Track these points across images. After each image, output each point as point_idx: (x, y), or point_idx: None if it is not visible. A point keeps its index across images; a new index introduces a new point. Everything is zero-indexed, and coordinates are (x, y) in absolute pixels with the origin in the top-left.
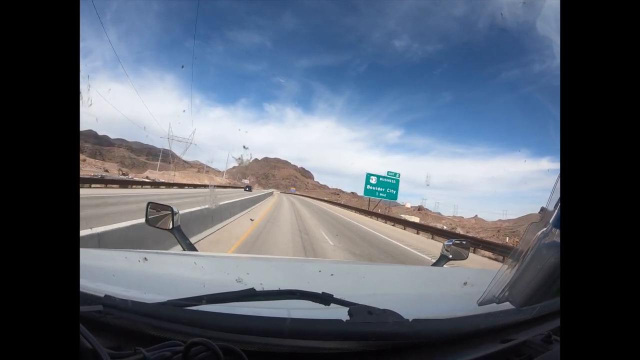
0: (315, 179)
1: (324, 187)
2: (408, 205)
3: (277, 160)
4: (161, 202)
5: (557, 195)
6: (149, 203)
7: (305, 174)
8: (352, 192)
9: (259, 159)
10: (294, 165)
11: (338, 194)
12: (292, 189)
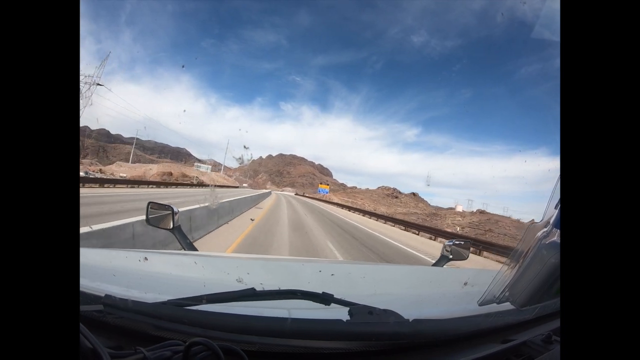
0: (333, 177)
1: (343, 185)
2: (460, 207)
3: (293, 157)
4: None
5: (558, 195)
6: (149, 202)
7: (324, 171)
8: (413, 194)
9: (273, 155)
10: (311, 162)
11: (396, 197)
12: (323, 188)
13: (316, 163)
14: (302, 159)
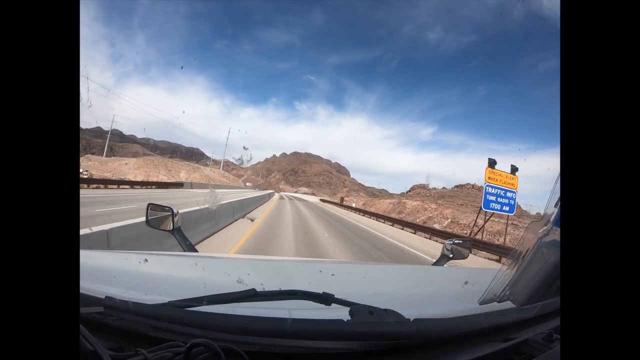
0: (351, 176)
1: (361, 185)
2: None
3: (308, 155)
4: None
5: (558, 194)
6: (149, 204)
7: (341, 170)
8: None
9: (288, 153)
10: (327, 161)
11: None
12: (503, 187)
13: (333, 162)
14: (318, 157)
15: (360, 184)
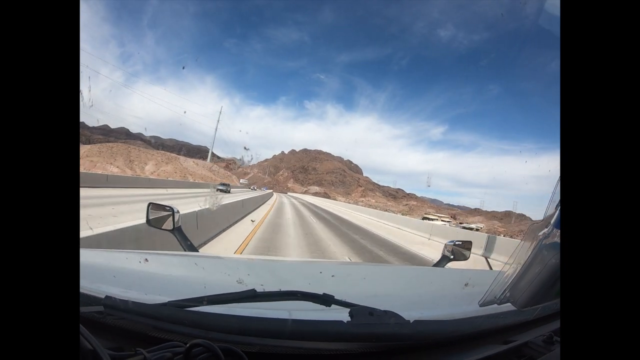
0: (364, 175)
1: (375, 185)
2: None
3: (319, 152)
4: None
5: (558, 196)
6: (149, 203)
7: (353, 168)
8: None
9: (297, 150)
10: (339, 158)
11: None
12: None
13: (344, 159)
14: (329, 155)
15: (374, 183)
